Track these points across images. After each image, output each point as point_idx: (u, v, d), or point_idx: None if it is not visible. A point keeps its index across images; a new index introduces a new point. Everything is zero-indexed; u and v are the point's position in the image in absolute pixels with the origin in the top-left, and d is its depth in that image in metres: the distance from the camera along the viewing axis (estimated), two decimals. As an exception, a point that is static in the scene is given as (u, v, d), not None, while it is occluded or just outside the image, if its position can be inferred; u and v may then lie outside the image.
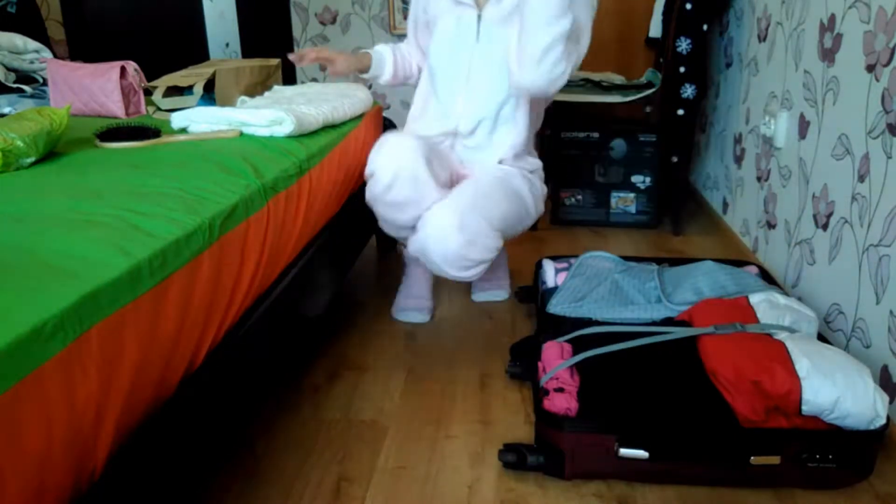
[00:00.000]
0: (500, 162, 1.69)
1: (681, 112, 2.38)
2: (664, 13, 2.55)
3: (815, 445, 1.15)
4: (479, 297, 1.96)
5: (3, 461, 0.62)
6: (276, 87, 1.93)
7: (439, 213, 1.44)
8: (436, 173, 1.52)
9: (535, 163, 1.78)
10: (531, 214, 1.72)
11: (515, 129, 1.67)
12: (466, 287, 2.03)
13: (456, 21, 1.64)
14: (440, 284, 2.03)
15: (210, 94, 1.88)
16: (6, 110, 1.43)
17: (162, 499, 0.90)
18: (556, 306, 1.59)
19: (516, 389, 1.50)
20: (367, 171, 1.54)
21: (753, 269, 1.74)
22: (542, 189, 1.78)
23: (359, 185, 1.78)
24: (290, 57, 1.65)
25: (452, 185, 1.61)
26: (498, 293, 1.96)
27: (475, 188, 1.53)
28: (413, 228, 1.53)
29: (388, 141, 1.51)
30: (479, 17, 1.61)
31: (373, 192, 1.53)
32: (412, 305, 1.83)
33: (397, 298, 1.87)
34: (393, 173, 1.47)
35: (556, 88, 1.51)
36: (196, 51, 3.14)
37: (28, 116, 1.27)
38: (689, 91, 2.36)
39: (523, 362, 1.51)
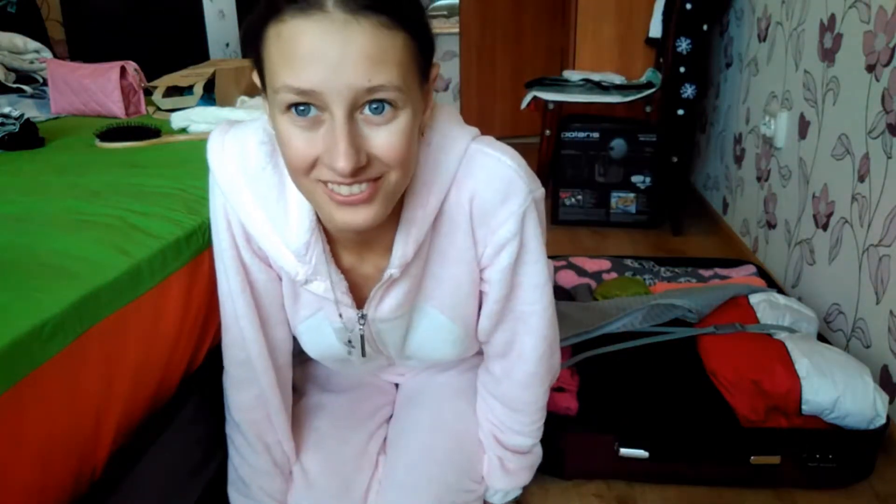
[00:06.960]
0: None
1: (681, 112, 2.38)
2: (664, 13, 2.55)
3: (815, 445, 1.15)
4: None
5: (3, 461, 0.62)
6: (276, 87, 1.93)
7: None
8: None
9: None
10: None
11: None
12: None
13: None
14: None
15: (210, 94, 1.88)
16: (6, 110, 1.43)
17: (162, 499, 0.90)
18: None
19: (516, 389, 1.49)
20: None
21: (751, 269, 1.74)
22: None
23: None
24: None
25: None
26: None
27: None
28: None
29: None
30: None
31: None
32: None
33: None
34: None
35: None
36: (196, 51, 3.14)
37: None
38: (689, 91, 2.36)
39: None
